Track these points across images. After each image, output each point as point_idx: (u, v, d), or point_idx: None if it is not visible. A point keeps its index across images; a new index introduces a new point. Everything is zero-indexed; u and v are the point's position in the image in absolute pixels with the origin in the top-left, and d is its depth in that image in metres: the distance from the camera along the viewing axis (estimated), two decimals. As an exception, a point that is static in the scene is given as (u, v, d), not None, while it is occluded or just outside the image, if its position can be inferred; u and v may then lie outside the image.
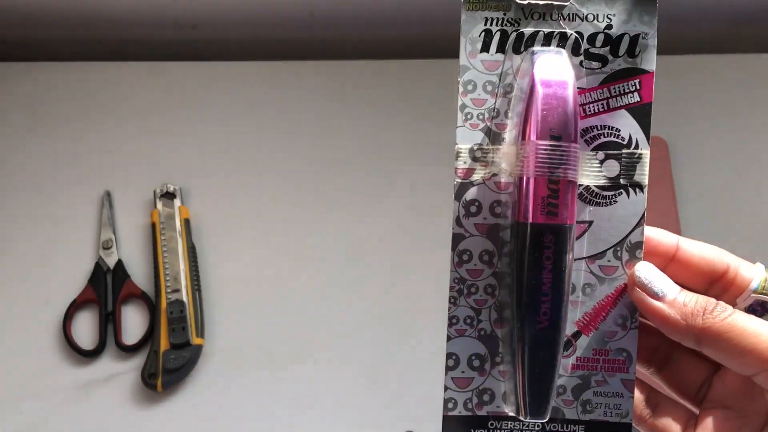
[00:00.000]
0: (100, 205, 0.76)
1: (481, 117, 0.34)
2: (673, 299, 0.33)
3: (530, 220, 0.32)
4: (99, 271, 0.72)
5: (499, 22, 0.33)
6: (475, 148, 0.34)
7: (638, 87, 0.34)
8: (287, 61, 0.86)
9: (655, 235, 0.35)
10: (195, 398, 0.67)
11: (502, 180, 0.34)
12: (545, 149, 0.32)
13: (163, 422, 0.66)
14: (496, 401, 0.35)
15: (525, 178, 0.32)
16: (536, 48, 0.34)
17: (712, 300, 0.33)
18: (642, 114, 0.34)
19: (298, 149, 0.80)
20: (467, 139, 0.34)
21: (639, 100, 0.34)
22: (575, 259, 0.34)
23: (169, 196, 0.75)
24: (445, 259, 0.35)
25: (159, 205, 0.75)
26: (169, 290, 0.70)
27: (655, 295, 0.33)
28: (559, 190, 0.32)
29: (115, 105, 0.83)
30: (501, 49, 0.34)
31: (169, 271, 0.71)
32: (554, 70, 0.33)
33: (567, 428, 0.35)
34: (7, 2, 0.84)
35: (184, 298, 0.69)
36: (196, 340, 0.68)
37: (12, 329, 0.71)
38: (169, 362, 0.66)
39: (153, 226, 0.74)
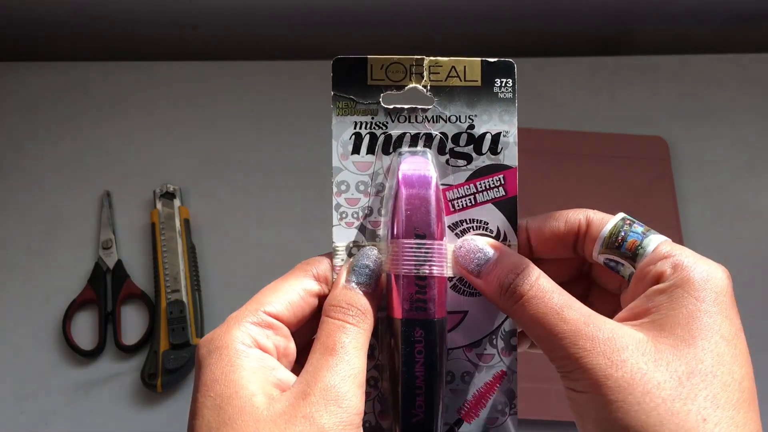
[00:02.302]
0: (100, 205, 0.76)
1: (355, 215, 0.35)
2: (486, 276, 0.33)
3: (400, 316, 0.33)
4: (99, 271, 0.72)
5: (368, 126, 0.35)
6: (351, 245, 0.35)
7: (503, 182, 0.35)
8: (287, 61, 0.86)
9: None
10: (195, 398, 0.67)
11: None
12: (410, 248, 0.33)
13: (163, 422, 0.66)
14: None
15: (394, 275, 0.33)
16: (403, 149, 0.35)
17: (514, 273, 0.32)
18: (508, 207, 0.35)
19: (298, 149, 0.80)
20: (343, 237, 0.35)
21: (504, 194, 0.35)
22: (453, 349, 0.35)
23: (168, 196, 0.75)
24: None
25: (159, 205, 0.75)
26: (168, 290, 0.70)
27: (472, 273, 0.33)
28: (427, 285, 0.33)
29: (115, 105, 0.83)
30: (371, 150, 0.35)
31: (169, 271, 0.71)
32: (417, 172, 0.34)
33: None
34: (7, 2, 0.84)
35: (184, 298, 0.69)
36: (195, 340, 0.68)
37: (12, 329, 0.71)
38: (168, 362, 0.66)
39: (153, 226, 0.74)
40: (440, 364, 0.33)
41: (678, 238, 0.73)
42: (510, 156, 0.35)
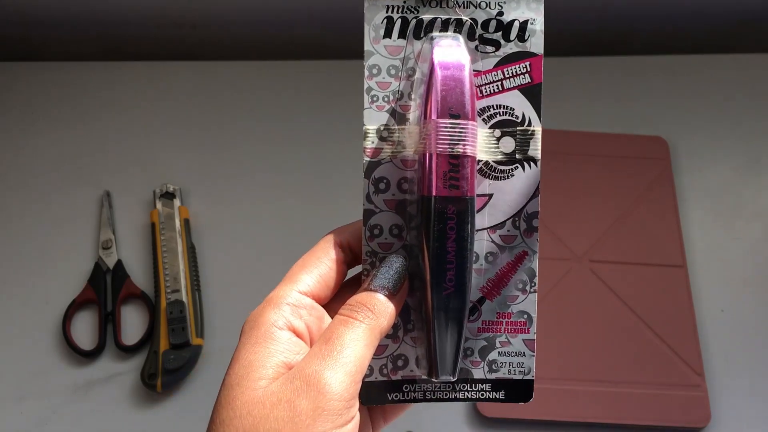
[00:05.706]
0: (100, 205, 0.76)
1: (386, 99, 0.36)
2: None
3: (434, 194, 0.34)
4: (99, 271, 0.72)
5: (400, 10, 0.36)
6: (382, 128, 0.36)
7: (529, 69, 0.36)
8: (287, 61, 0.86)
9: None
10: (195, 398, 0.67)
11: (408, 158, 0.36)
12: (445, 127, 0.34)
13: (163, 422, 0.66)
14: (410, 366, 0.37)
15: (427, 154, 0.34)
16: (435, 34, 0.36)
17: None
18: (533, 94, 0.36)
19: (298, 149, 0.80)
20: (374, 120, 0.36)
21: (530, 81, 0.36)
22: (478, 230, 0.36)
23: (168, 196, 0.75)
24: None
25: (158, 205, 0.75)
26: (168, 290, 0.70)
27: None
28: (459, 164, 0.34)
29: (115, 105, 0.83)
30: (402, 34, 0.36)
31: (169, 271, 0.71)
32: (451, 55, 0.35)
33: (475, 387, 0.37)
34: (7, 2, 0.84)
35: (184, 298, 0.69)
36: (195, 340, 0.68)
37: (12, 329, 0.70)
38: (168, 362, 0.66)
39: (153, 226, 0.74)
40: (470, 241, 0.35)
41: (678, 238, 0.73)
42: (536, 44, 0.36)
